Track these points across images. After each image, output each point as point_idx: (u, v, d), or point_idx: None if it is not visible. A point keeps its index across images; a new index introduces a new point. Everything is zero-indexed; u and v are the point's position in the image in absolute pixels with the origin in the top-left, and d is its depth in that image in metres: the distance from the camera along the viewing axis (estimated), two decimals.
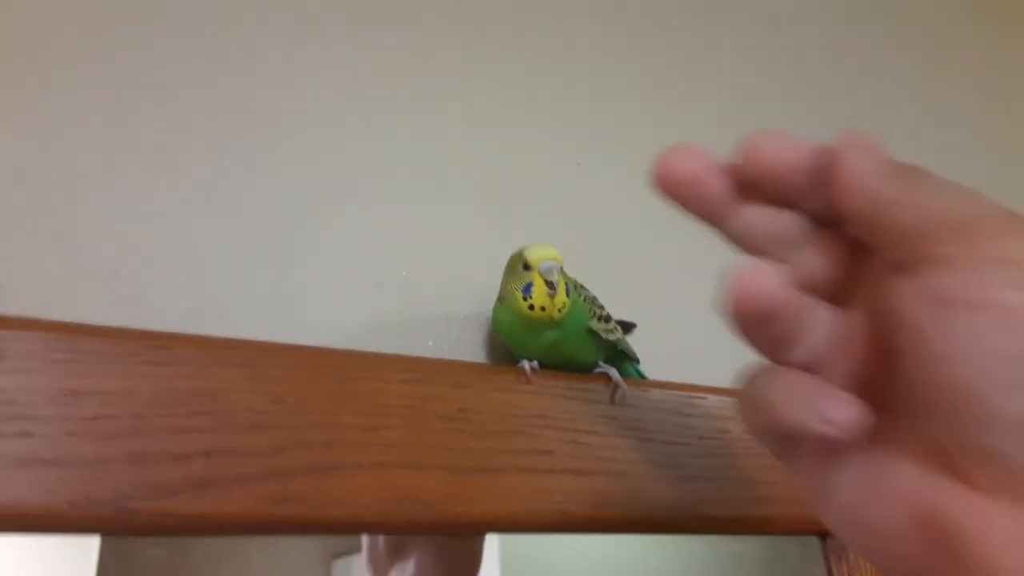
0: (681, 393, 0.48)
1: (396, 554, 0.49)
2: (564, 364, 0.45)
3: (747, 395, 0.26)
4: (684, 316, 0.56)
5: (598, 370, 0.46)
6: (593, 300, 0.46)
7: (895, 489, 0.23)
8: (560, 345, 0.44)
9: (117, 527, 0.32)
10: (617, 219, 0.57)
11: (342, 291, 0.45)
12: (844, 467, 0.25)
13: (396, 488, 0.38)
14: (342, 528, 0.37)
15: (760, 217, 0.26)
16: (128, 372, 0.34)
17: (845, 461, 0.25)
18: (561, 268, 0.42)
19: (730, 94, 0.66)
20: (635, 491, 0.44)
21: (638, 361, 0.50)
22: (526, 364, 0.44)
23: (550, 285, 0.41)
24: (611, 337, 0.46)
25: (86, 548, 0.54)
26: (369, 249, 0.47)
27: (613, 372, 0.46)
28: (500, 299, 0.44)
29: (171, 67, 0.44)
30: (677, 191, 0.26)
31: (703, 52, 0.66)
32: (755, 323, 0.24)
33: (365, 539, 0.50)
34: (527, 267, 0.42)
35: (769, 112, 0.67)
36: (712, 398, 0.49)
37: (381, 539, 0.49)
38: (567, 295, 0.42)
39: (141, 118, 0.42)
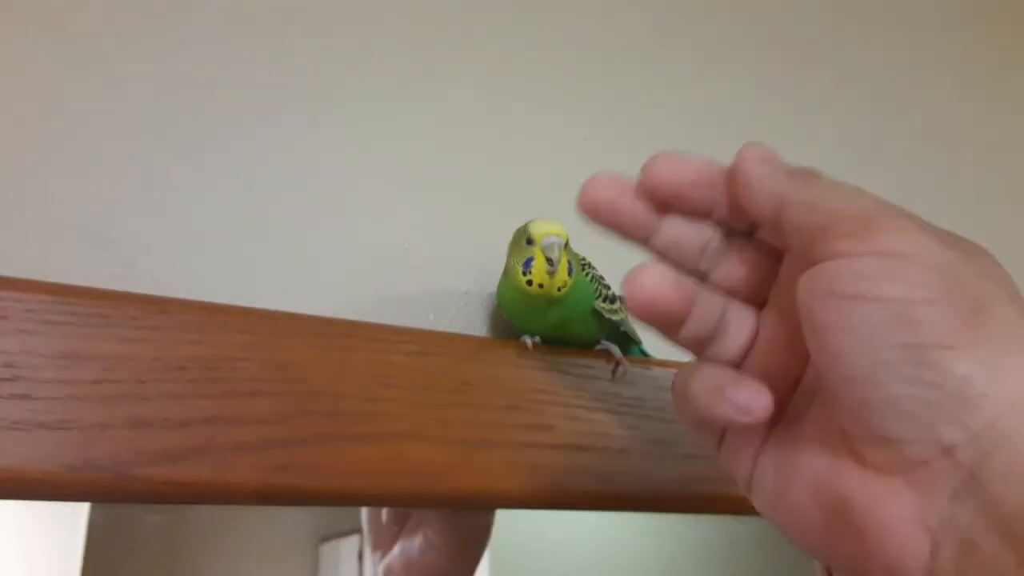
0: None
1: (400, 528, 0.48)
2: (566, 341, 0.45)
3: (676, 390, 0.28)
4: None
5: (599, 347, 0.46)
6: (600, 279, 0.45)
7: (805, 473, 0.26)
8: (563, 324, 0.44)
9: (117, 493, 0.32)
10: None
11: (343, 262, 0.45)
12: (765, 456, 0.28)
13: (398, 460, 0.38)
14: (343, 499, 0.36)
15: (678, 231, 0.29)
16: (129, 336, 0.33)
17: (766, 450, 0.28)
18: (566, 245, 0.42)
19: (735, 74, 0.66)
20: (635, 468, 0.44)
21: (640, 342, 0.50)
22: (527, 339, 0.43)
23: (549, 262, 0.41)
24: (615, 318, 0.46)
25: (74, 522, 0.53)
26: (371, 221, 0.46)
27: (614, 349, 0.46)
28: (504, 272, 0.44)
29: (173, 32, 0.43)
30: (600, 217, 0.28)
31: (712, 30, 0.65)
32: (650, 316, 0.27)
33: (365, 513, 0.50)
34: (530, 241, 0.42)
35: (775, 94, 0.67)
36: None
37: (384, 513, 0.49)
38: (569, 273, 0.42)
39: (143, 84, 0.42)
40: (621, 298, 0.49)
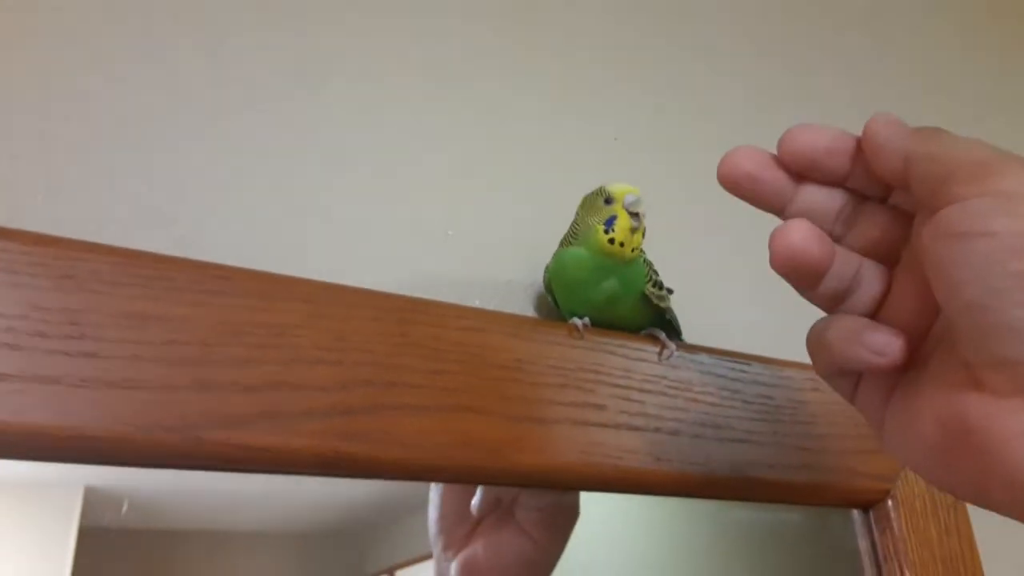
0: (726, 358, 0.48)
1: (477, 524, 0.45)
2: (611, 326, 0.45)
3: (812, 340, 0.31)
4: (722, 287, 0.56)
5: (645, 332, 0.46)
6: (651, 264, 0.45)
7: (930, 406, 0.27)
8: (614, 302, 0.43)
9: (186, 457, 0.31)
10: (655, 187, 0.57)
11: (389, 246, 0.45)
12: (895, 399, 0.30)
13: (457, 432, 0.37)
14: (405, 469, 0.36)
15: (814, 198, 0.31)
16: (193, 300, 0.33)
17: (896, 394, 0.30)
18: None
19: (770, 71, 0.67)
20: (687, 450, 0.44)
21: (681, 334, 0.50)
22: (578, 320, 0.43)
23: (635, 217, 0.41)
24: (662, 304, 0.46)
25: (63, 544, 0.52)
26: (417, 205, 0.46)
27: (660, 333, 0.46)
28: (570, 238, 0.44)
29: (227, 14, 0.43)
30: (739, 189, 0.30)
31: (742, 29, 0.67)
32: (795, 269, 0.29)
33: (435, 512, 0.46)
34: (609, 200, 0.42)
35: (804, 87, 0.68)
36: (756, 365, 0.49)
37: (456, 511, 0.46)
38: (643, 237, 0.43)
39: (200, 65, 0.42)
40: (669, 290, 0.49)
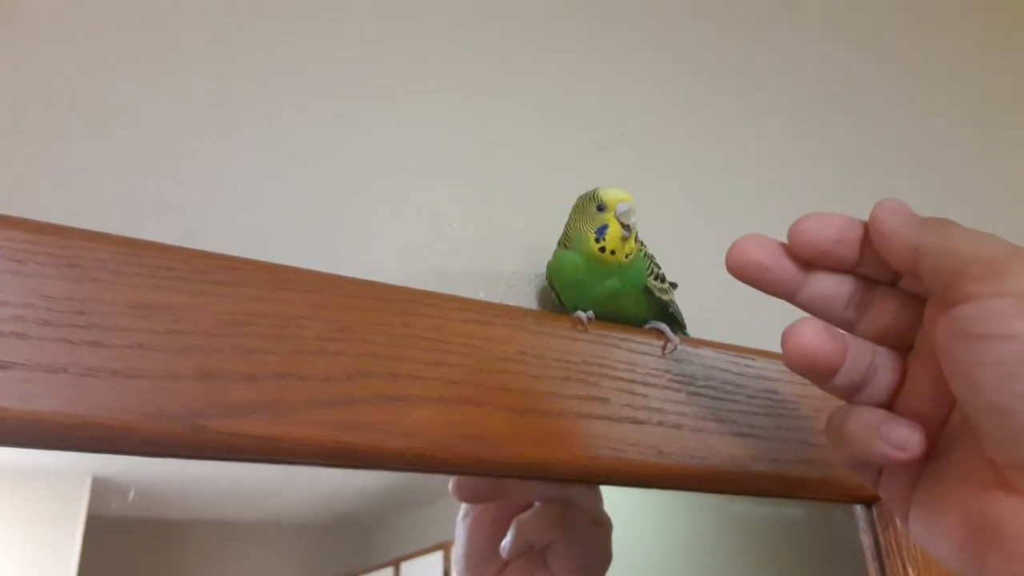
0: (730, 353, 0.48)
1: (507, 563, 0.44)
2: (614, 319, 0.45)
3: (831, 431, 0.31)
4: (726, 281, 0.56)
5: (649, 325, 0.46)
6: (652, 258, 0.45)
7: (955, 504, 0.27)
8: (615, 297, 0.44)
9: (190, 445, 0.31)
10: (660, 181, 0.57)
11: (394, 237, 0.45)
12: (919, 491, 0.30)
13: (460, 424, 0.37)
14: (407, 460, 0.36)
15: (824, 285, 0.31)
16: (197, 290, 0.33)
17: (919, 486, 0.30)
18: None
19: (779, 67, 0.67)
20: (690, 443, 0.44)
21: (685, 327, 0.50)
22: (582, 313, 0.43)
23: (626, 228, 0.41)
24: (665, 297, 0.46)
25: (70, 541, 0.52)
26: (422, 198, 0.47)
27: (664, 327, 0.46)
28: (565, 242, 0.44)
29: (233, 6, 0.44)
30: (749, 278, 0.31)
31: (747, 27, 0.67)
32: (809, 369, 0.29)
33: (461, 542, 0.46)
34: (601, 208, 0.42)
35: (815, 96, 0.68)
36: (760, 360, 0.49)
37: (488, 540, 0.45)
38: (636, 240, 0.42)
39: (206, 55, 0.42)
40: (673, 284, 0.49)
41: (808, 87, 0.70)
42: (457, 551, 0.46)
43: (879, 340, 0.31)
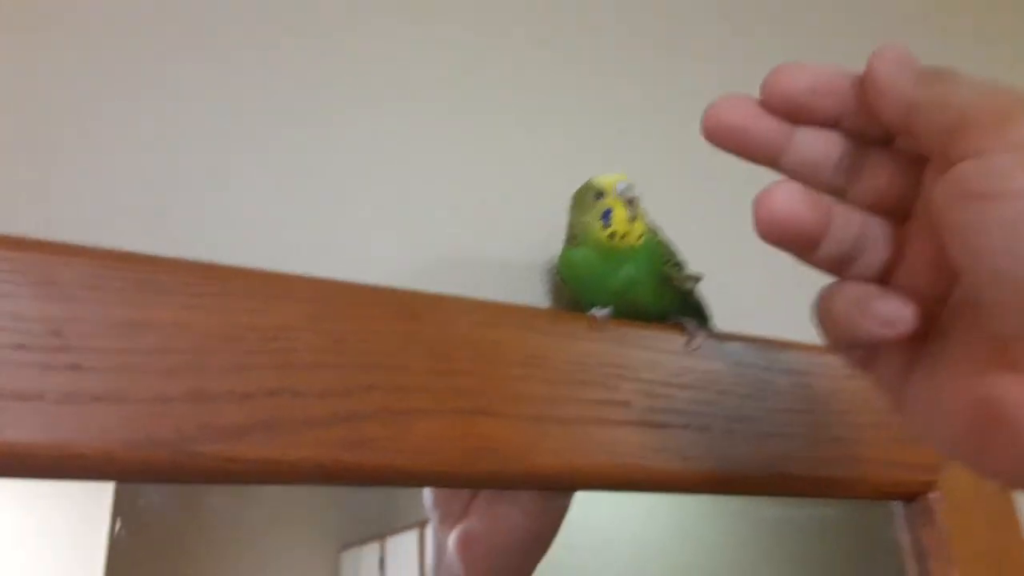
0: (759, 346, 0.45)
1: (473, 496, 0.44)
2: (634, 315, 0.42)
3: (818, 311, 0.28)
4: (757, 268, 0.53)
5: (671, 320, 0.43)
6: (667, 245, 0.43)
7: (957, 385, 0.25)
8: (631, 287, 0.41)
9: (178, 472, 0.29)
10: (683, 165, 0.54)
11: (398, 231, 0.42)
12: (916, 374, 0.27)
13: (473, 436, 0.35)
14: (416, 478, 0.34)
15: (809, 146, 0.27)
16: (186, 304, 0.31)
17: (916, 368, 0.27)
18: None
19: (783, 34, 0.63)
20: (717, 447, 0.41)
21: (710, 318, 0.47)
22: (598, 311, 0.41)
23: (631, 203, 0.39)
24: (685, 286, 0.43)
25: (97, 521, 0.51)
26: (421, 191, 0.44)
27: (686, 320, 0.43)
28: (571, 239, 0.42)
29: (217, 9, 0.41)
30: (727, 141, 0.27)
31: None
32: (784, 238, 0.26)
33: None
34: (600, 195, 0.40)
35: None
36: (792, 352, 0.46)
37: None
38: (645, 224, 0.40)
39: (188, 57, 0.40)
40: (698, 276, 0.47)
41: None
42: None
43: (873, 208, 0.27)
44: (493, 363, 0.37)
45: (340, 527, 0.63)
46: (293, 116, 0.41)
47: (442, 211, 0.44)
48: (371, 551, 0.63)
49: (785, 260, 0.53)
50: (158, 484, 0.30)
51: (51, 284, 0.29)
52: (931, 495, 0.48)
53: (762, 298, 0.52)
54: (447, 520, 0.43)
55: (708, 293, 0.47)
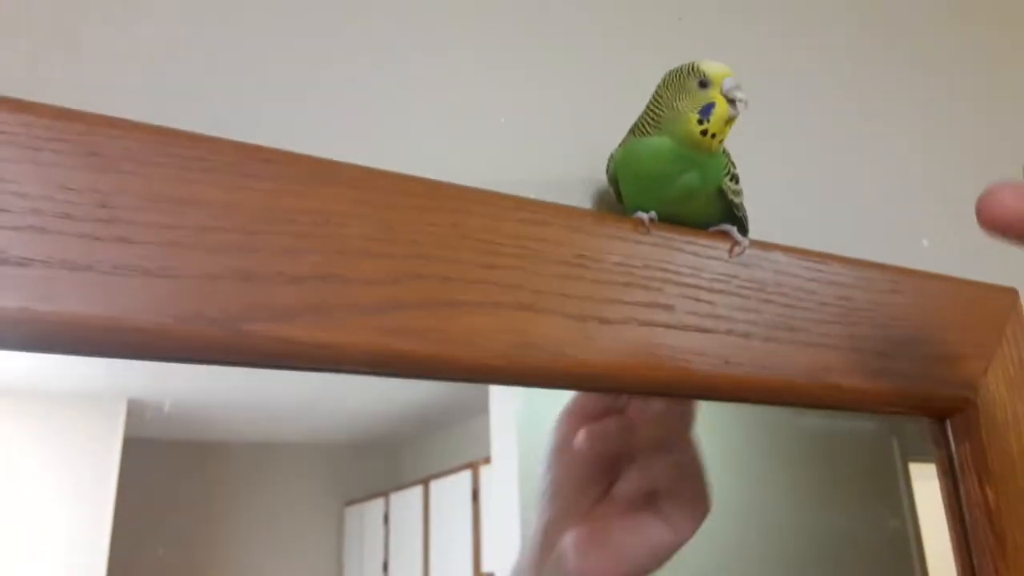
0: (800, 257, 0.44)
1: (599, 500, 0.41)
2: (678, 221, 0.41)
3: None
4: (796, 181, 0.52)
5: (714, 228, 0.43)
6: (729, 155, 0.41)
7: None
8: (689, 197, 0.40)
9: (230, 351, 0.29)
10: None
11: (438, 132, 0.41)
12: None
13: (517, 331, 0.34)
14: (458, 370, 0.33)
15: None
16: (233, 184, 0.30)
17: None
18: None
19: None
20: (760, 353, 0.41)
21: (747, 232, 0.46)
22: (643, 215, 0.40)
23: (734, 104, 0.36)
24: (737, 199, 0.42)
25: (106, 468, 0.51)
26: (469, 90, 0.43)
27: (732, 229, 0.42)
28: (646, 126, 0.39)
29: None
30: (1004, 231, 0.28)
31: None
32: (1010, 232, 0.28)
33: (549, 466, 0.42)
34: (704, 84, 0.37)
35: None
36: (834, 264, 0.45)
37: (584, 470, 0.41)
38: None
39: None
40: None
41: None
42: (544, 473, 0.41)
43: None
44: (538, 260, 0.36)
45: (345, 483, 0.64)
46: (346, 8, 0.40)
47: (489, 112, 0.43)
48: (375, 507, 0.63)
49: (830, 176, 0.52)
50: (211, 364, 0.29)
51: (97, 155, 0.28)
52: (968, 412, 0.48)
53: (808, 210, 0.51)
54: (570, 516, 0.40)
55: (753, 204, 0.46)
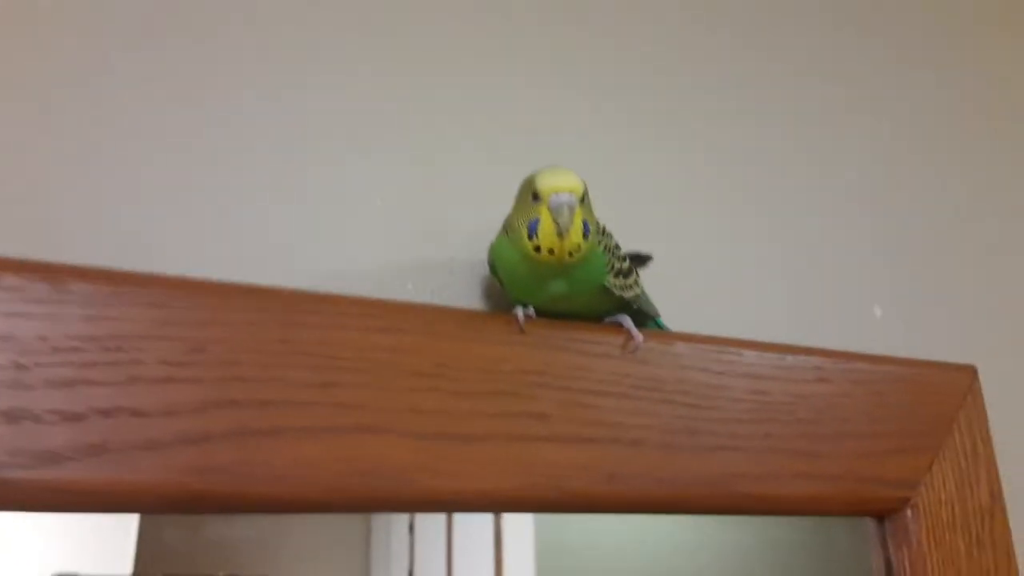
0: (710, 347, 0.40)
1: None
2: (568, 316, 0.38)
3: None
4: (715, 254, 0.48)
5: (609, 320, 0.39)
6: (615, 250, 0.37)
7: None
8: (566, 298, 0.36)
9: None
10: (628, 149, 0.48)
11: (303, 224, 0.38)
12: None
13: (351, 459, 0.31)
14: (279, 506, 0.30)
15: None
16: (8, 311, 0.27)
17: None
18: (582, 200, 0.34)
19: (769, 34, 0.57)
20: (651, 464, 0.37)
21: (658, 316, 0.42)
22: (519, 311, 0.36)
23: (558, 225, 0.33)
24: (628, 295, 0.38)
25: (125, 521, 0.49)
26: (337, 175, 0.39)
27: (626, 320, 0.38)
28: (505, 229, 0.36)
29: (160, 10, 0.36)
30: None
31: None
32: None
33: None
34: (536, 197, 0.34)
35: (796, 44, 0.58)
36: (748, 353, 0.41)
37: None
38: (585, 236, 0.34)
39: (134, 51, 0.35)
40: (648, 256, 0.42)
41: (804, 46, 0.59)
42: None
43: None
44: (387, 374, 0.33)
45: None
46: (177, 112, 0.37)
47: (350, 195, 0.40)
48: (401, 516, 0.62)
49: (745, 254, 0.47)
50: None
51: None
52: (906, 513, 0.43)
53: (718, 293, 0.47)
54: None
55: (653, 280, 0.42)
